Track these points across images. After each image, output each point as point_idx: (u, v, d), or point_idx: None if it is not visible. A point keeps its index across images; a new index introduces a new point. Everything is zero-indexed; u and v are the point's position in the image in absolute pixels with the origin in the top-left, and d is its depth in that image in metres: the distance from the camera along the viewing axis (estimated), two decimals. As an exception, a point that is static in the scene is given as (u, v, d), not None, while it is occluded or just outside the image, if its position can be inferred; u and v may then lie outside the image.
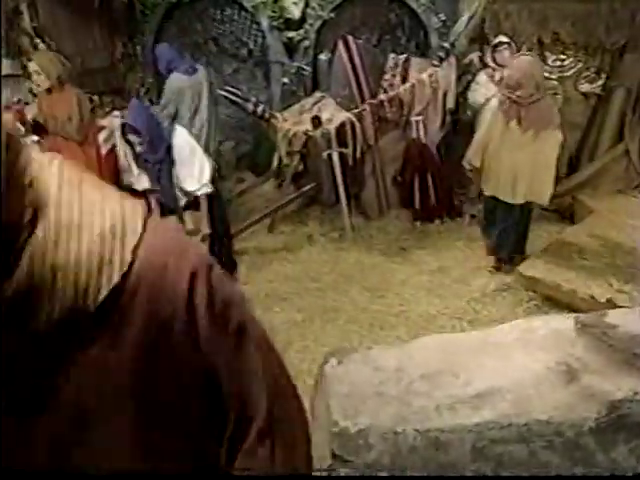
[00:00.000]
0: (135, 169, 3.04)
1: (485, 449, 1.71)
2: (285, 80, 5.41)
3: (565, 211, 4.61)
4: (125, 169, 4.82)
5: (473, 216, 4.65)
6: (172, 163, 2.94)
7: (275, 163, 5.35)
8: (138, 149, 2.92)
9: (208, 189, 3.00)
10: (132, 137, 2.91)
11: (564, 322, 2.19)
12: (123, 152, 4.85)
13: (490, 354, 2.05)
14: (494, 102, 4.23)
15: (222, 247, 3.26)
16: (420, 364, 2.02)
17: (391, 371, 2.00)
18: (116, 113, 4.90)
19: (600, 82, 4.82)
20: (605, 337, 1.83)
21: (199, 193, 3.00)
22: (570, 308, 3.17)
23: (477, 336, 2.21)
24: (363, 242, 4.28)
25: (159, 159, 2.92)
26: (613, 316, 1.91)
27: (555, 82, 4.94)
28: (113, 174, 4.54)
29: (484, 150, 3.57)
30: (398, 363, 2.04)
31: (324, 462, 1.84)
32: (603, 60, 4.71)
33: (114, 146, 4.77)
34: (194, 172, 2.95)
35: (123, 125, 2.92)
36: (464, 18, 4.43)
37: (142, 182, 3.05)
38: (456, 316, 3.31)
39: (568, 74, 4.94)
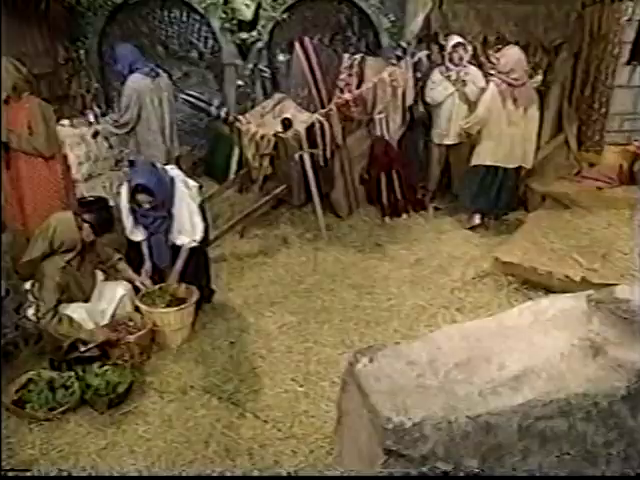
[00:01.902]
0: (130, 224, 3.10)
1: (531, 427, 1.81)
2: (239, 82, 5.34)
3: (519, 198, 4.92)
4: (76, 184, 4.55)
5: (437, 208, 4.86)
6: (171, 219, 3.03)
7: (234, 167, 5.28)
8: (146, 206, 2.97)
9: (193, 244, 3.10)
10: (142, 197, 2.93)
11: (567, 302, 2.36)
12: (75, 165, 4.59)
13: (512, 338, 2.16)
14: (450, 100, 4.48)
15: (199, 277, 3.30)
16: (450, 354, 2.09)
17: (425, 363, 2.05)
18: (64, 122, 4.62)
19: (539, 77, 5.17)
20: (619, 311, 2.00)
21: (186, 247, 3.10)
22: (547, 289, 3.41)
23: (492, 322, 2.31)
24: (338, 241, 4.33)
25: (161, 216, 3.01)
26: (621, 291, 2.09)
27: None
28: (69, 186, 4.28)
29: (483, 126, 4.14)
30: (429, 355, 2.09)
31: (375, 459, 1.86)
32: (542, 58, 5.07)
33: (65, 156, 4.50)
34: (186, 228, 3.06)
35: (136, 185, 2.91)
36: (419, 18, 4.59)
37: (137, 235, 3.14)
38: (444, 305, 3.43)
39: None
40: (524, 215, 4.63)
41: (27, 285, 2.84)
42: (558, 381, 1.87)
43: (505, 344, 2.11)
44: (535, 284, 3.49)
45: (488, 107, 4.06)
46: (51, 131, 3.22)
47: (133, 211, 3.03)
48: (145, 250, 3.14)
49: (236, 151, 5.03)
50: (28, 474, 2.18)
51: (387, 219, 4.67)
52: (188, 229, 3.01)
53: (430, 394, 1.89)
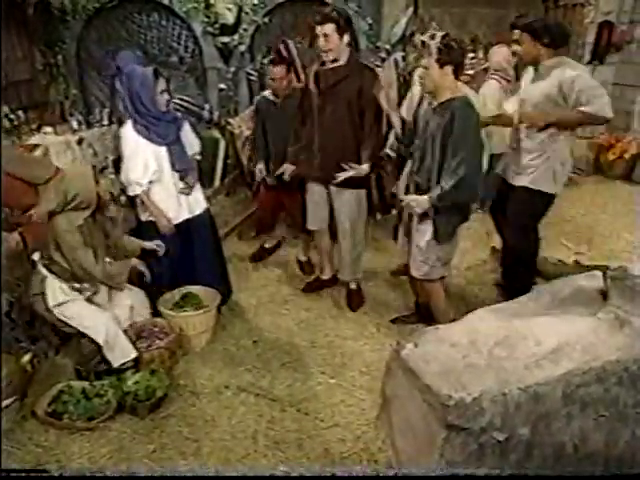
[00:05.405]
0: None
1: (572, 394, 2.00)
2: (222, 86, 5.35)
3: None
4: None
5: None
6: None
7: (220, 171, 5.30)
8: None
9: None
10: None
11: (579, 281, 2.60)
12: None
13: (540, 316, 2.35)
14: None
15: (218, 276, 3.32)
16: (488, 334, 2.25)
17: (466, 345, 2.21)
18: (48, 129, 4.49)
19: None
20: (637, 286, 2.22)
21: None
22: (542, 273, 3.67)
23: (516, 304, 2.51)
24: (335, 238, 4.43)
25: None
26: (634, 268, 2.32)
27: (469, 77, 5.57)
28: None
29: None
30: (468, 337, 2.25)
31: (434, 436, 2.00)
32: (512, 58, 5.39)
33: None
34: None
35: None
36: (403, 21, 4.77)
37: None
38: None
39: (479, 69, 5.58)
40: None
41: (35, 256, 2.65)
42: (592, 351, 2.06)
43: (535, 322, 2.30)
44: (530, 269, 3.74)
45: (498, 102, 4.21)
46: None
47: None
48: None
49: (221, 155, 5.06)
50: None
51: (378, 215, 4.82)
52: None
53: (480, 371, 2.04)
